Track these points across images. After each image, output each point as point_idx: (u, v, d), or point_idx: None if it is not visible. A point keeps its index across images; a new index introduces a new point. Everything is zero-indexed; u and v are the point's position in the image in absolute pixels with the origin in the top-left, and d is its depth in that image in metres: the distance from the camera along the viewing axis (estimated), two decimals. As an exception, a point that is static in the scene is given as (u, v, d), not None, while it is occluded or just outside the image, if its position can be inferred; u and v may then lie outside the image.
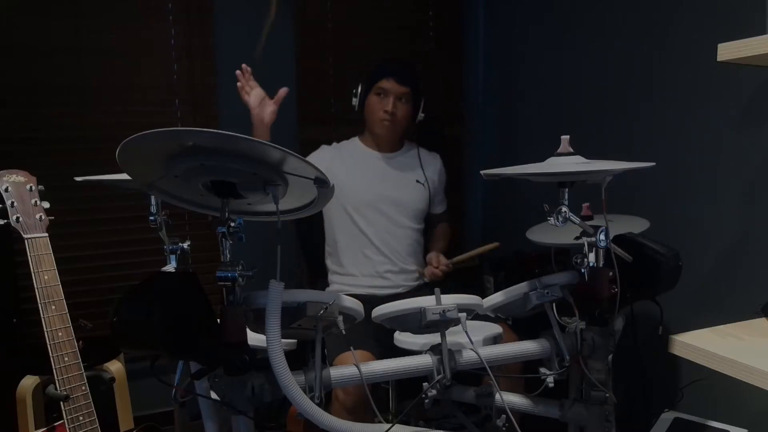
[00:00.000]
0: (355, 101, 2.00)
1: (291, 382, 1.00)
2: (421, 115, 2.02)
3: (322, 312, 1.07)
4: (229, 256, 1.03)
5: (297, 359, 1.18)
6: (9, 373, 1.84)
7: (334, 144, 2.13)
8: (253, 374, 1.05)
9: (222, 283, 1.01)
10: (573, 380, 1.34)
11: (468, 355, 1.19)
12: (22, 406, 1.75)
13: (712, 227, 1.77)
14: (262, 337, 1.00)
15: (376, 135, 2.03)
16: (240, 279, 1.01)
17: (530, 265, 2.14)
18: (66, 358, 1.36)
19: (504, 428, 1.27)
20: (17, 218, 1.38)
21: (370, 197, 1.99)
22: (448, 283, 2.13)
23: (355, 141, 2.11)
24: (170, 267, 1.49)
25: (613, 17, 2.09)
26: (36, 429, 1.71)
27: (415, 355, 1.20)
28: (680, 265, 1.34)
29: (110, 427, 1.80)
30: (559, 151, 1.19)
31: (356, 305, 1.18)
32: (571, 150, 1.18)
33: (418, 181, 2.06)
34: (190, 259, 1.52)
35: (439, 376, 1.14)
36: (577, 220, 1.15)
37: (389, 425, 1.10)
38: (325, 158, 2.03)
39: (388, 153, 2.07)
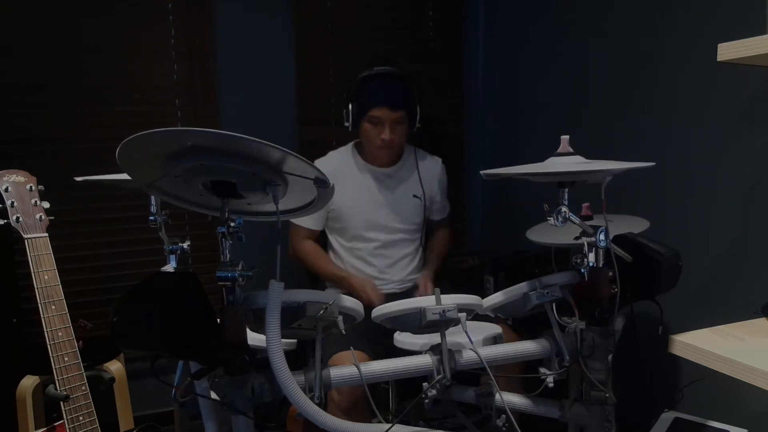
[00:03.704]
0: (347, 124, 1.92)
1: (291, 382, 1.00)
2: (417, 125, 1.94)
3: (322, 312, 1.07)
4: (229, 256, 1.03)
5: (297, 359, 1.18)
6: (9, 373, 1.84)
7: (330, 155, 2.04)
8: (253, 374, 1.05)
9: (222, 283, 1.01)
10: (573, 380, 1.34)
11: (468, 355, 1.19)
12: (22, 406, 1.75)
13: (712, 227, 1.77)
14: (262, 337, 1.00)
15: (374, 156, 1.99)
16: (240, 279, 1.01)
17: (530, 265, 2.14)
18: (66, 358, 1.36)
19: (504, 428, 1.27)
20: (17, 218, 1.38)
21: (367, 221, 1.97)
22: (448, 283, 2.13)
23: (352, 152, 2.03)
24: (170, 267, 1.49)
25: (613, 17, 2.09)
26: (36, 429, 1.71)
27: (414, 355, 1.20)
28: (680, 265, 1.34)
29: (110, 427, 1.80)
30: (559, 151, 1.19)
31: (356, 305, 1.19)
32: (571, 150, 1.18)
33: (415, 196, 2.02)
34: (190, 259, 1.52)
35: (439, 376, 1.14)
36: (577, 220, 1.15)
37: (389, 425, 1.10)
38: None
39: (385, 168, 2.01)
